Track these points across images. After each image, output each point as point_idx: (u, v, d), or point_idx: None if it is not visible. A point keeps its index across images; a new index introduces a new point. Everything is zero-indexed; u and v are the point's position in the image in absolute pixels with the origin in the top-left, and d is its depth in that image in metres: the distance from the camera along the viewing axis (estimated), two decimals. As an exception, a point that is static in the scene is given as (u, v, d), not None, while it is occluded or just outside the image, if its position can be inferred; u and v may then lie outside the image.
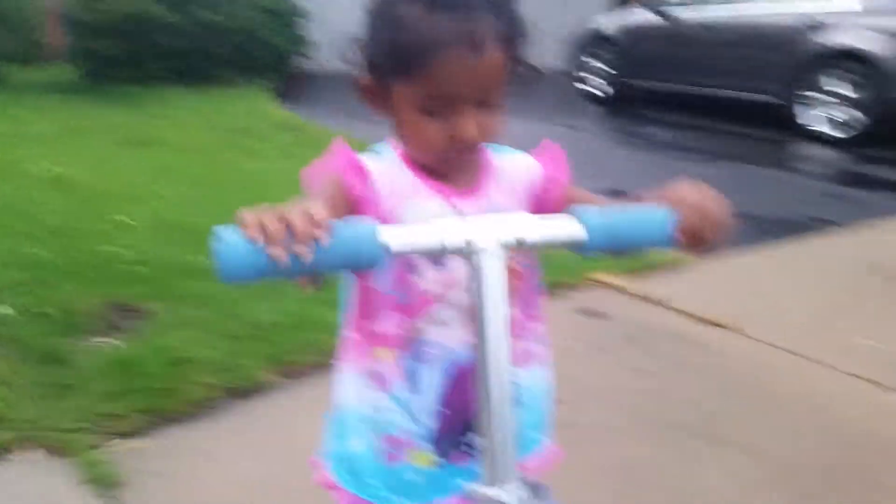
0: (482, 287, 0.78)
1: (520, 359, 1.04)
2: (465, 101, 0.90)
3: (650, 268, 3.44)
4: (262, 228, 0.70)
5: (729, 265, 3.58)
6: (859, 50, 6.54)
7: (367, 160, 0.99)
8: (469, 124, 0.91)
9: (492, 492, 0.77)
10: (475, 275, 0.78)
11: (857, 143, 6.58)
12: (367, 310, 1.02)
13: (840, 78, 6.68)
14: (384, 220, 0.92)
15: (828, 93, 6.80)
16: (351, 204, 0.95)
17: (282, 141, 6.23)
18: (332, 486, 1.09)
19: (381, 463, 1.04)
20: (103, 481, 1.87)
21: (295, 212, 0.71)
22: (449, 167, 0.98)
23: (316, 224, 0.71)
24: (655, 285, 3.27)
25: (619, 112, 8.85)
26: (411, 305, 0.99)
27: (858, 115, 6.59)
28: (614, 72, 9.04)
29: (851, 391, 2.46)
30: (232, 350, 2.39)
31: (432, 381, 1.01)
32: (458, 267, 0.96)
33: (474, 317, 0.79)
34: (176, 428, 2.09)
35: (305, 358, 2.44)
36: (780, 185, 5.59)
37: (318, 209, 0.72)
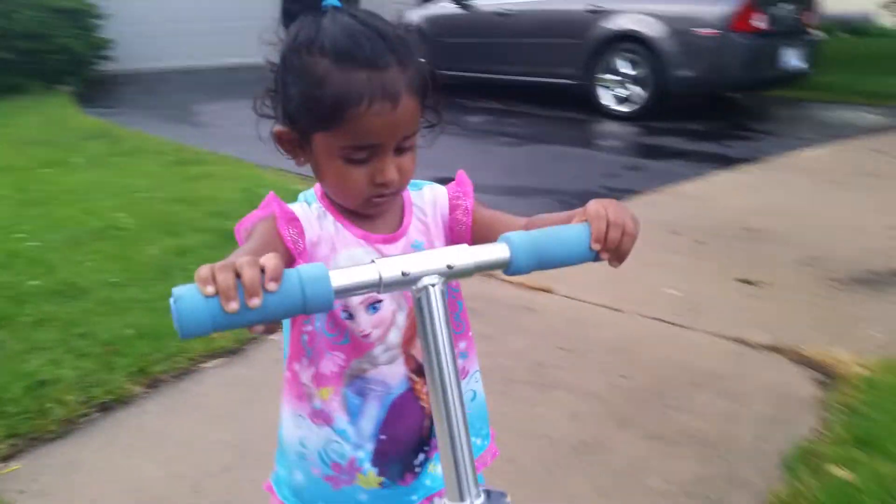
0: (424, 312, 0.81)
1: (462, 373, 1.14)
2: (385, 148, 0.95)
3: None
4: (214, 283, 0.71)
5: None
6: (636, 32, 7.38)
7: (297, 210, 1.02)
8: (389, 169, 0.96)
9: None
10: (416, 302, 0.82)
11: (646, 117, 7.42)
12: (312, 351, 1.06)
13: (623, 58, 7.50)
14: (311, 251, 1.00)
15: (615, 73, 7.60)
16: (284, 251, 0.97)
17: (94, 150, 5.94)
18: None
19: (325, 490, 1.10)
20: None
21: (246, 264, 0.72)
22: (372, 211, 1.03)
23: (269, 274, 0.72)
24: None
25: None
26: (352, 346, 1.05)
27: (640, 91, 7.46)
28: (423, 62, 9.45)
29: (657, 332, 2.91)
30: (92, 366, 2.40)
31: (371, 413, 1.07)
32: (388, 308, 1.04)
33: (423, 341, 0.82)
34: (47, 447, 2.10)
35: (165, 366, 2.50)
36: (584, 161, 6.19)
37: (271, 259, 0.74)
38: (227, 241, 2.26)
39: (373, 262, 0.80)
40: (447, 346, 0.81)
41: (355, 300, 1.02)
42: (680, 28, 7.20)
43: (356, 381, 1.06)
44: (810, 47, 7.99)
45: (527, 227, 0.93)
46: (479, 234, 1.07)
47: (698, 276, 3.45)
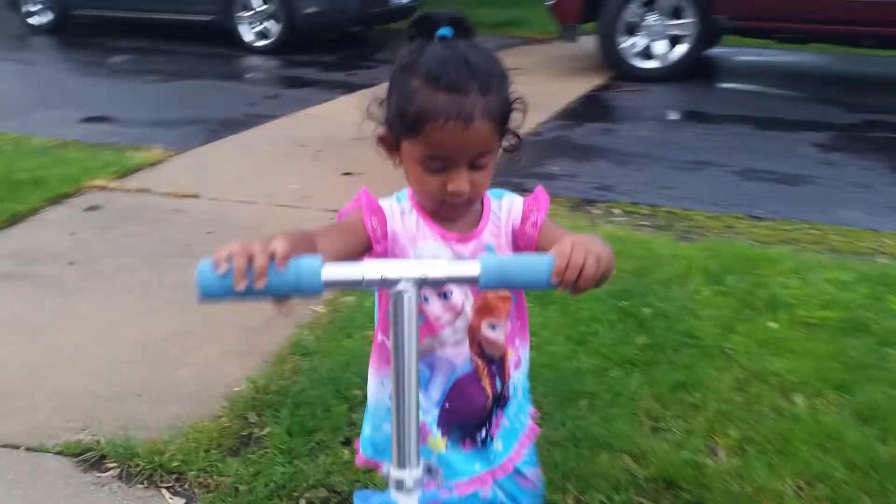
0: (397, 312, 0.92)
1: (517, 364, 1.30)
2: (458, 162, 1.08)
3: (134, 169, 4.46)
4: (229, 261, 0.85)
5: (193, 156, 4.81)
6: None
7: (384, 204, 1.19)
8: (460, 181, 1.09)
9: (399, 473, 0.94)
10: (392, 303, 0.92)
11: (284, 50, 8.31)
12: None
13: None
14: (392, 254, 1.16)
15: (250, 9, 8.35)
16: (366, 237, 1.14)
17: None
18: (367, 463, 1.35)
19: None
20: None
21: (259, 252, 0.86)
22: (448, 214, 1.17)
23: (279, 258, 0.86)
24: (140, 181, 4.30)
25: (71, 44, 9.16)
26: (426, 326, 1.19)
27: (274, 25, 8.34)
28: (55, 2, 9.24)
29: (280, 214, 3.90)
30: None
31: (437, 384, 1.23)
32: (457, 297, 1.19)
33: (392, 334, 0.93)
34: None
35: None
36: (228, 93, 6.93)
37: (281, 246, 0.87)
38: None
39: (360, 262, 0.94)
40: (412, 342, 0.92)
41: (429, 288, 1.13)
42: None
43: (427, 356, 1.21)
44: (412, -15, 9.50)
45: None
46: (542, 248, 1.18)
47: (314, 174, 4.53)
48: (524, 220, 1.21)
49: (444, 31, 1.09)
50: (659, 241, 3.47)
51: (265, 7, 8.28)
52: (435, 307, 1.19)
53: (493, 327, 1.23)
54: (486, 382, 1.25)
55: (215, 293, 0.87)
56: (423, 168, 1.10)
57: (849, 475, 1.96)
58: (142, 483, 1.93)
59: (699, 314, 2.74)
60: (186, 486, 1.92)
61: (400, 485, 0.95)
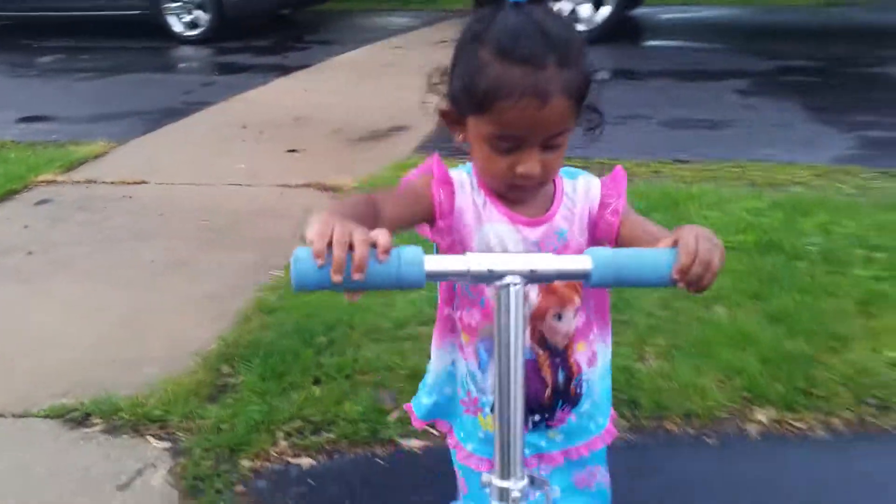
0: (501, 307, 0.86)
1: (591, 360, 1.20)
2: (530, 142, 0.99)
3: (79, 162, 4.51)
4: (323, 253, 0.78)
5: (136, 146, 4.89)
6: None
7: (455, 175, 1.09)
8: (531, 163, 1.00)
9: (503, 483, 0.88)
10: (497, 297, 0.87)
11: (216, 38, 8.30)
12: (459, 301, 1.17)
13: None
14: (455, 231, 1.08)
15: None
16: (430, 209, 1.06)
17: None
18: (419, 423, 1.32)
19: (458, 410, 1.23)
20: None
21: (358, 239, 0.78)
22: (513, 196, 1.08)
23: (380, 249, 0.79)
24: (87, 173, 4.36)
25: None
26: (486, 310, 1.13)
27: (203, 14, 8.32)
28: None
29: (230, 192, 4.02)
30: None
31: (495, 370, 1.12)
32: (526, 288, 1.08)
33: (497, 330, 0.87)
34: None
35: None
36: (164, 84, 6.93)
37: (384, 238, 0.80)
38: None
39: (465, 254, 0.87)
40: (518, 339, 0.86)
41: None
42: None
43: (487, 340, 1.14)
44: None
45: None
46: (624, 237, 1.11)
47: (259, 154, 4.64)
48: (603, 205, 1.13)
49: None
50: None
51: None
52: None
53: (558, 317, 1.15)
54: (546, 373, 1.17)
55: (311, 284, 0.82)
56: (491, 148, 1.01)
57: (762, 368, 2.22)
58: (127, 434, 2.08)
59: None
60: (170, 432, 2.08)
61: (504, 494, 0.89)
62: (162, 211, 3.79)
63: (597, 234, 1.13)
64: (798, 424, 2.04)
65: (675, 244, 0.88)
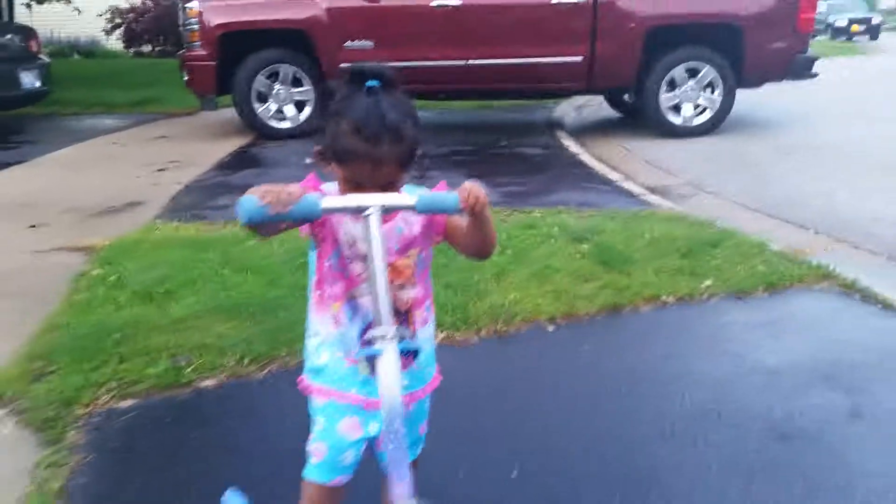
0: (369, 228, 1.40)
1: (421, 323, 1.60)
2: (371, 187, 1.44)
3: None
4: (264, 195, 1.31)
5: None
6: None
7: (325, 187, 1.52)
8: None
9: (380, 330, 1.40)
10: (364, 221, 1.40)
11: None
12: (327, 278, 1.56)
13: None
14: (328, 225, 1.50)
15: None
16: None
17: None
18: (309, 389, 1.62)
19: (341, 366, 1.58)
20: None
21: (285, 189, 1.33)
22: None
23: (295, 194, 1.33)
24: None
25: None
26: (349, 280, 1.54)
27: None
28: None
29: None
30: None
31: (356, 325, 1.55)
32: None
33: (367, 243, 1.41)
34: None
35: None
36: None
37: (295, 189, 1.36)
38: None
39: (345, 196, 1.44)
40: (379, 244, 1.40)
41: (354, 254, 1.52)
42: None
43: (350, 302, 1.56)
44: (43, 69, 9.73)
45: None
46: (448, 226, 1.61)
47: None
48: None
49: (373, 82, 1.43)
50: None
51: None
52: (357, 266, 1.53)
53: (400, 287, 1.56)
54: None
55: (255, 217, 1.32)
56: (348, 187, 1.47)
57: (446, 308, 3.34)
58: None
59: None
60: (5, 403, 2.57)
61: (382, 337, 1.39)
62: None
63: (431, 231, 1.60)
64: (459, 338, 3.19)
65: (460, 189, 1.44)
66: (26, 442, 2.39)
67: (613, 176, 6.62)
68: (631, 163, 7.36)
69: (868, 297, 3.56)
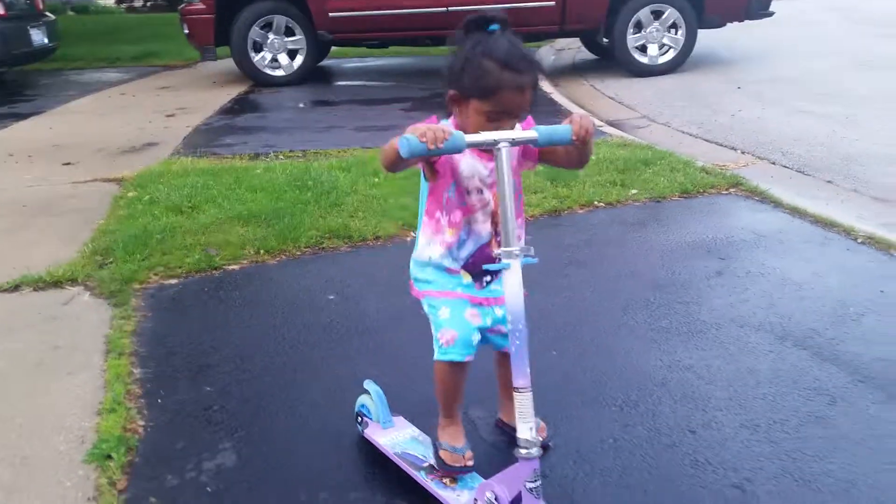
0: (501, 158, 1.59)
1: (518, 238, 1.72)
2: (511, 115, 1.65)
3: None
4: (423, 134, 1.50)
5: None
6: None
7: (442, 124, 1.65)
8: (511, 127, 1.65)
9: (507, 248, 1.61)
10: (496, 154, 1.61)
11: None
12: (445, 207, 1.79)
13: None
14: (448, 160, 1.74)
15: None
16: None
17: None
18: (422, 293, 1.91)
19: (446, 274, 1.86)
20: None
21: (439, 128, 1.51)
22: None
23: (448, 131, 1.51)
24: None
25: None
26: (466, 209, 1.79)
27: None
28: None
29: (34, 191, 5.08)
30: None
31: (467, 247, 1.83)
32: (487, 195, 1.78)
33: (498, 173, 1.61)
34: None
35: None
36: None
37: (448, 127, 1.55)
38: None
39: (479, 133, 1.61)
40: (509, 175, 1.60)
41: (471, 186, 1.77)
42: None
43: (465, 227, 1.81)
44: (51, 26, 10.34)
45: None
46: (542, 151, 1.80)
47: (39, 169, 5.67)
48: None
49: (495, 26, 1.65)
50: (314, 165, 5.50)
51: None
52: (474, 199, 1.78)
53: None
54: (494, 247, 1.80)
55: (416, 150, 1.51)
56: (486, 119, 1.65)
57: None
58: (50, 290, 3.35)
59: (341, 180, 4.81)
60: (78, 284, 3.39)
61: (509, 254, 1.60)
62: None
63: (526, 156, 1.83)
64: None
65: (570, 122, 1.62)
66: (101, 306, 3.20)
67: (577, 111, 7.36)
68: (597, 100, 8.08)
69: (766, 199, 4.36)
